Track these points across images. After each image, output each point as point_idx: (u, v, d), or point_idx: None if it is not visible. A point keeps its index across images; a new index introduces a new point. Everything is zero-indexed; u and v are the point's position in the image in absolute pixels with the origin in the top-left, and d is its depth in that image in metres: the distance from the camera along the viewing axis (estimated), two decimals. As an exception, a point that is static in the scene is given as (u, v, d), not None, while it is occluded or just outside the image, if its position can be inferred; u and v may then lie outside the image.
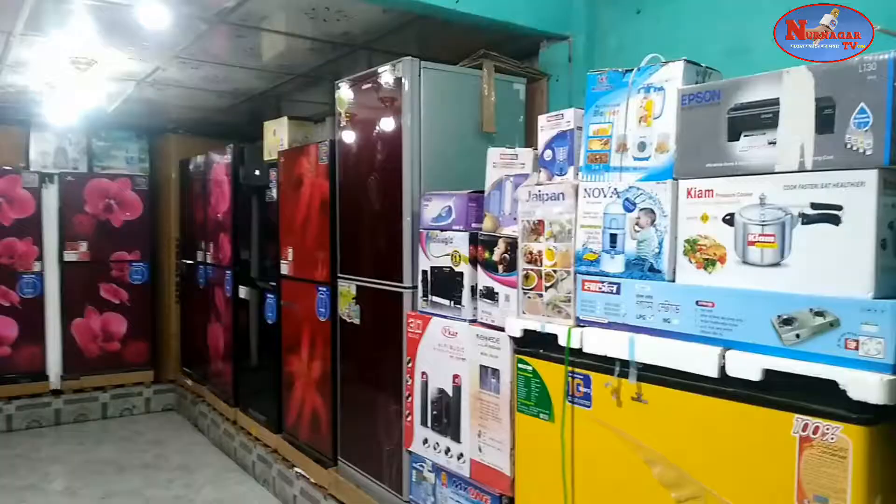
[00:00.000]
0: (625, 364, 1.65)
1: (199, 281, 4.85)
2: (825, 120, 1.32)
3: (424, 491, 2.45)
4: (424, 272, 2.43)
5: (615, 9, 2.73)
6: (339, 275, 2.98)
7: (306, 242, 3.27)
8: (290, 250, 3.42)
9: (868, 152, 1.25)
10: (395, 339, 2.58)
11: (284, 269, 3.47)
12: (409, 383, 2.49)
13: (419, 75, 2.52)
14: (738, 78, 1.49)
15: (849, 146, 1.28)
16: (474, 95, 2.70)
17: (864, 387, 1.21)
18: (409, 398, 2.49)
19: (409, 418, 2.49)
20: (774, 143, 1.40)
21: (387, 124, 2.64)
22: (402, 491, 2.56)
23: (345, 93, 2.92)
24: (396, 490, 2.60)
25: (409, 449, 2.50)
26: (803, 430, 1.30)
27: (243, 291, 4.08)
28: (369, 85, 2.75)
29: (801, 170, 1.35)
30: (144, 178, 5.39)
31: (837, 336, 1.27)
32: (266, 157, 3.87)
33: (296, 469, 3.37)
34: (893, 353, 1.20)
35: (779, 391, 1.35)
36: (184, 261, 5.26)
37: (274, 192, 3.65)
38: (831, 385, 1.25)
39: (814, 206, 1.32)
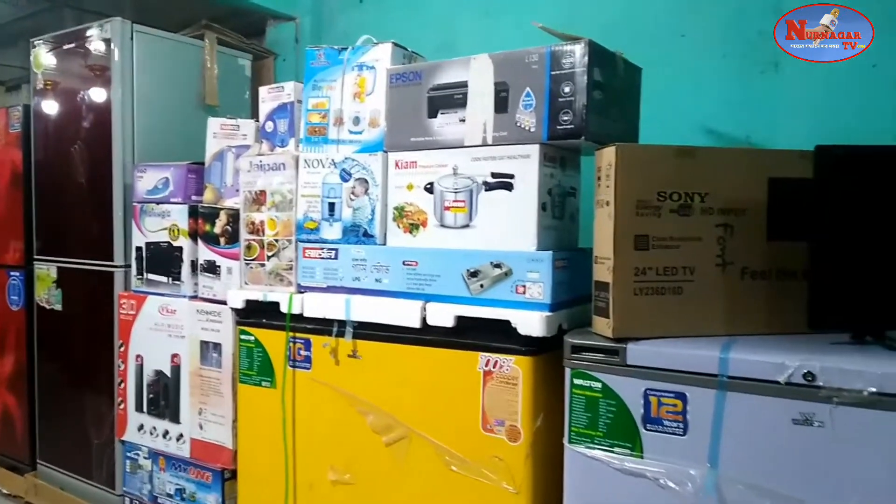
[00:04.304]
0: (342, 324, 1.75)
1: None
2: (501, 102, 1.55)
3: (140, 480, 2.30)
4: (139, 248, 2.28)
5: (340, -4, 2.83)
6: (36, 257, 2.65)
7: (-7, 221, 2.84)
8: (-28, 231, 2.93)
9: (532, 130, 1.51)
10: (104, 324, 2.37)
11: (-36, 253, 2.96)
12: (121, 369, 2.31)
13: (131, 39, 2.36)
14: (435, 61, 1.67)
15: (518, 124, 1.52)
16: (196, 67, 2.60)
17: (529, 324, 1.46)
18: (122, 384, 2.31)
19: (122, 406, 2.32)
20: (464, 120, 1.60)
21: (94, 90, 2.42)
22: (115, 485, 2.37)
23: (43, 54, 2.60)
24: (108, 485, 2.40)
25: (123, 439, 2.33)
26: (486, 366, 1.52)
27: None
28: (73, 45, 2.49)
29: (484, 144, 1.57)
30: None
31: (511, 283, 1.51)
32: (-62, 123, 3.25)
33: (-19, 483, 2.91)
34: (550, 295, 1.47)
35: (468, 335, 1.55)
36: None
37: (-52, 164, 3.09)
38: (507, 325, 1.48)
39: (493, 175, 1.55)
